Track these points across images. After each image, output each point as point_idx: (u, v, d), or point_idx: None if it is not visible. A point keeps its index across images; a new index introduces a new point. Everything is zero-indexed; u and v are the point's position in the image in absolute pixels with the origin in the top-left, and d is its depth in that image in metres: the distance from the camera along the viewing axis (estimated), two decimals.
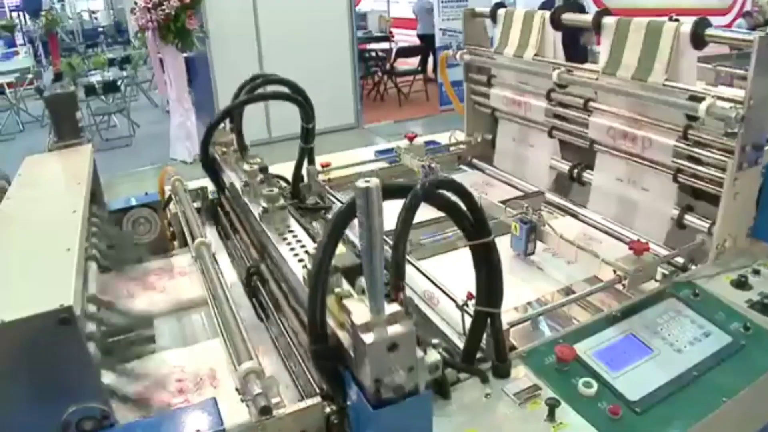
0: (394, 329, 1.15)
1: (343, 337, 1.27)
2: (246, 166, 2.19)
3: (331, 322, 1.31)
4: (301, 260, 1.63)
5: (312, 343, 1.31)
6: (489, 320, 1.56)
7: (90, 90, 10.26)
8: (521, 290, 2.12)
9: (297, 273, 1.58)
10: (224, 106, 2.60)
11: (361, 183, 1.07)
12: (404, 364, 1.16)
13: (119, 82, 11.38)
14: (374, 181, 1.07)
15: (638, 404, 1.55)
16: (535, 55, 2.79)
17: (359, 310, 1.19)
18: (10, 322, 1.21)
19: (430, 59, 11.94)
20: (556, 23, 2.72)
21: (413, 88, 11.75)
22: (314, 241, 1.72)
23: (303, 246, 1.72)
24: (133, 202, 2.51)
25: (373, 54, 12.35)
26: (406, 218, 1.29)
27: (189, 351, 1.84)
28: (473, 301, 1.63)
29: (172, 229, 2.64)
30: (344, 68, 9.66)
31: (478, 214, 1.40)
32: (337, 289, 1.31)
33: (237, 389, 1.39)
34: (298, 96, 2.43)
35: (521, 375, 1.62)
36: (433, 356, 1.26)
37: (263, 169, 2.18)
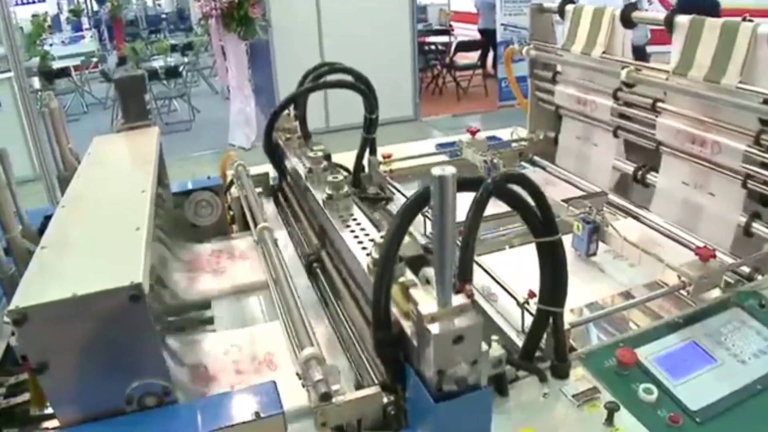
0: (461, 321, 1.14)
1: (407, 326, 1.27)
2: (310, 153, 2.20)
3: (394, 310, 1.30)
4: (364, 248, 1.63)
5: (376, 331, 1.31)
6: (551, 319, 1.54)
7: (152, 75, 10.46)
8: (581, 291, 2.08)
9: (361, 261, 1.58)
10: (284, 93, 2.63)
11: (436, 170, 1.05)
12: (468, 357, 1.15)
13: (181, 68, 11.60)
14: (450, 170, 1.05)
15: (699, 414, 1.51)
16: (603, 52, 2.74)
17: (426, 300, 1.18)
18: (82, 296, 1.24)
19: (490, 54, 11.84)
20: (626, 21, 2.67)
21: (472, 83, 11.66)
22: (378, 230, 1.70)
23: (367, 234, 1.71)
24: (196, 185, 2.55)
25: (433, 47, 12.30)
26: (476, 211, 1.28)
27: (247, 333, 1.86)
28: (534, 299, 1.61)
29: (232, 213, 2.67)
30: (404, 60, 9.63)
31: (547, 211, 1.38)
32: (401, 278, 1.30)
33: (297, 374, 1.40)
34: (362, 85, 2.44)
35: (580, 376, 1.59)
36: (497, 351, 1.25)
37: (327, 157, 2.19)
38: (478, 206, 1.28)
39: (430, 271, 1.30)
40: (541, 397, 1.52)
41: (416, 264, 1.37)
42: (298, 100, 2.63)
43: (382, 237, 1.42)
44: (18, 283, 1.37)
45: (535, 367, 1.56)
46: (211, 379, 1.64)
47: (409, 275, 1.34)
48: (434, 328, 1.13)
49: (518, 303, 1.74)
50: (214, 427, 1.30)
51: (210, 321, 1.97)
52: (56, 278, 1.35)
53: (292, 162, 2.45)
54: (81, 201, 1.82)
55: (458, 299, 1.17)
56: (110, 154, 2.25)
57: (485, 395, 1.20)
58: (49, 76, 11.53)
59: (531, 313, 1.65)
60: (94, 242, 1.54)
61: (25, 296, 1.26)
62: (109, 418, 1.35)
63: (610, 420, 1.45)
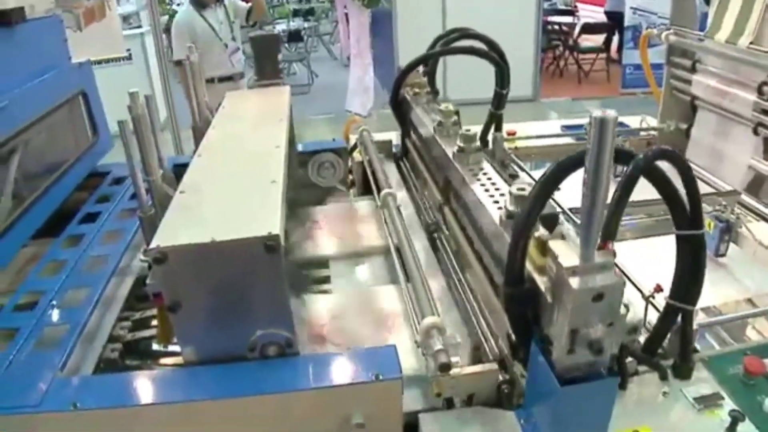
0: (603, 278, 1.08)
1: (541, 281, 1.21)
2: (443, 106, 2.16)
3: (527, 265, 1.25)
4: (496, 202, 1.57)
5: (507, 283, 1.26)
6: (679, 317, 1.47)
7: None
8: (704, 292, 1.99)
9: (492, 214, 1.52)
10: (404, 63, 2.60)
11: (597, 112, 0.99)
12: (605, 317, 1.10)
13: (302, 33, 11.79)
14: (611, 113, 0.99)
15: None
16: (751, 43, 2.58)
17: (566, 254, 1.12)
18: (221, 242, 1.28)
19: (615, 38, 11.40)
20: None
21: (594, 67, 11.27)
22: (509, 185, 1.61)
23: (498, 189, 1.65)
24: (321, 147, 2.60)
25: (556, 27, 11.96)
26: (627, 183, 1.19)
27: (364, 295, 1.88)
28: (660, 294, 1.55)
29: (351, 177, 2.70)
30: (527, 39, 9.40)
31: (697, 204, 1.30)
32: (536, 233, 1.24)
33: (416, 341, 1.40)
34: (495, 55, 2.36)
35: (702, 380, 1.52)
36: (634, 317, 1.19)
37: (456, 112, 2.14)
38: (629, 179, 1.20)
39: (566, 228, 1.25)
40: (661, 395, 1.47)
41: (548, 223, 1.30)
42: (429, 60, 2.61)
43: (519, 189, 1.38)
44: (157, 224, 1.44)
45: (658, 363, 1.50)
46: (326, 336, 1.67)
47: (543, 231, 1.27)
48: (574, 283, 1.07)
49: (643, 296, 1.67)
50: (334, 384, 1.33)
51: (327, 280, 2.00)
52: (195, 222, 1.41)
53: (419, 116, 2.41)
54: (216, 151, 1.88)
55: (601, 256, 1.10)
56: (244, 109, 2.31)
57: (611, 384, 1.17)
58: None
59: (656, 308, 1.59)
60: (231, 191, 1.58)
61: (166, 237, 1.32)
62: (231, 362, 1.41)
63: (732, 429, 1.38)
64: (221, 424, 1.38)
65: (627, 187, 1.19)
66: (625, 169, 1.21)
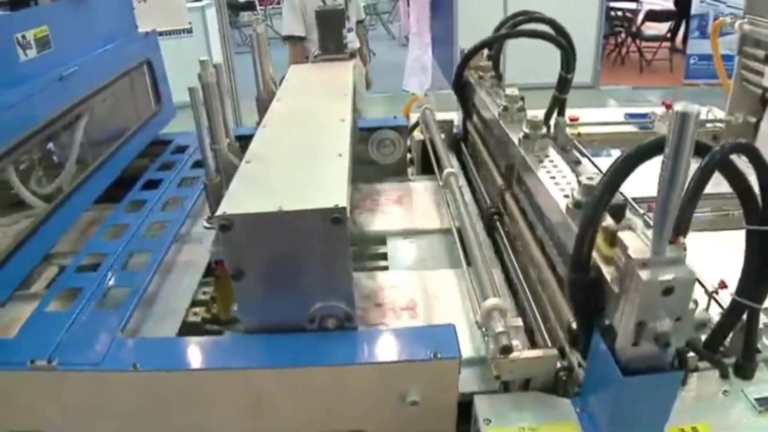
0: (674, 272, 1.06)
1: (607, 271, 1.20)
2: (509, 90, 2.13)
3: (594, 254, 1.23)
4: (562, 190, 1.53)
5: (572, 272, 1.24)
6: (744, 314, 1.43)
7: None
8: None
9: (558, 201, 1.49)
10: (462, 44, 2.56)
11: (679, 106, 0.96)
12: (673, 312, 1.07)
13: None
14: (694, 107, 0.95)
15: None
16: None
17: (637, 246, 1.10)
18: (288, 212, 1.29)
19: (681, 27, 11.08)
20: None
21: (657, 56, 10.98)
22: (576, 174, 1.60)
23: (564, 176, 1.61)
24: (382, 124, 2.59)
25: (619, 13, 11.67)
26: (702, 176, 1.16)
27: (420, 274, 1.87)
28: (724, 291, 1.50)
29: (410, 155, 2.69)
30: (589, 24, 9.17)
31: None
32: (604, 224, 1.22)
33: (477, 322, 1.39)
34: (562, 39, 2.31)
35: (765, 381, 1.47)
36: (703, 313, 1.16)
37: (522, 98, 2.11)
38: (705, 172, 1.16)
39: (635, 220, 1.24)
40: (721, 393, 1.43)
41: (616, 213, 1.28)
42: (494, 43, 2.59)
43: (588, 178, 1.36)
44: (222, 192, 1.46)
45: (719, 360, 1.46)
46: (384, 312, 1.68)
47: (610, 221, 1.25)
48: (644, 275, 1.05)
49: (706, 291, 1.62)
50: (391, 360, 1.33)
51: (384, 257, 2.00)
52: (262, 192, 1.42)
53: (483, 99, 2.37)
54: (282, 123, 1.90)
55: (672, 249, 1.08)
56: (307, 82, 2.31)
57: (674, 378, 1.14)
58: (236, 8, 12.18)
59: (719, 304, 1.55)
60: (297, 162, 1.60)
61: (233, 205, 1.34)
62: (289, 332, 1.42)
63: None
64: (277, 392, 1.40)
65: (702, 180, 1.15)
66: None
